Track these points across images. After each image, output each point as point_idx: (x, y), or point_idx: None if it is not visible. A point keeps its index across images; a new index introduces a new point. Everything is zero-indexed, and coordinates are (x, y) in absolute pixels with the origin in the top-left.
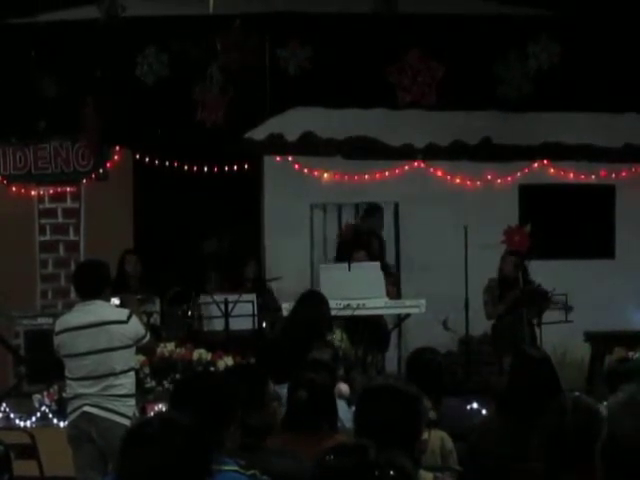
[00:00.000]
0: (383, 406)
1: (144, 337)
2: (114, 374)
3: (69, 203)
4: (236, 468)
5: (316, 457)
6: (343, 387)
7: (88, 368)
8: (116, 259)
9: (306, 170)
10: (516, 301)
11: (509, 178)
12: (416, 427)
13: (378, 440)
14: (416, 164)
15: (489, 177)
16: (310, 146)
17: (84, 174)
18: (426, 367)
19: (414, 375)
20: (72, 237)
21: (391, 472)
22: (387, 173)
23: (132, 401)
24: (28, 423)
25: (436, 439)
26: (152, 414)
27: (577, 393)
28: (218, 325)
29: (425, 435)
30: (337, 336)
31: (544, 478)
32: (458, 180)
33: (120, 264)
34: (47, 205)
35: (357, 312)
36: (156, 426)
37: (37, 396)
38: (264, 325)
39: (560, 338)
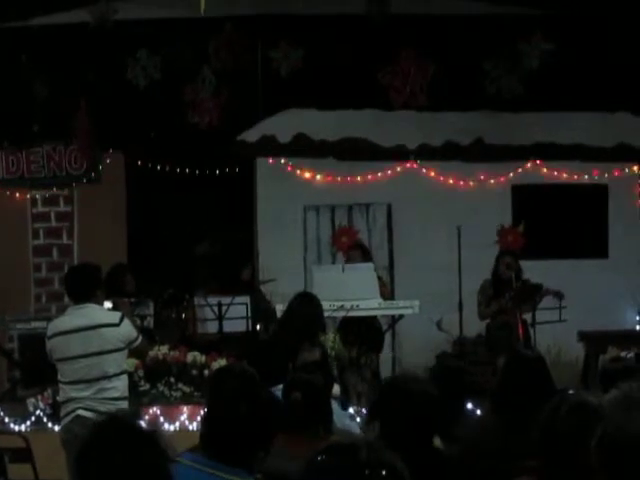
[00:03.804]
0: (412, 403)
1: (136, 340)
2: (107, 377)
3: (62, 207)
4: None
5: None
6: (334, 388)
7: (81, 372)
8: (109, 262)
9: (299, 172)
10: (512, 300)
11: (502, 178)
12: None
13: (401, 434)
14: (409, 165)
15: (482, 177)
16: (303, 147)
17: (77, 177)
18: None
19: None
20: (65, 241)
21: (382, 472)
22: (380, 174)
23: (125, 404)
24: (22, 427)
25: None
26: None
27: (571, 391)
28: (212, 327)
29: None
30: (330, 337)
31: (540, 477)
32: (451, 180)
33: (116, 279)
34: (40, 209)
35: (351, 313)
36: (111, 431)
37: (31, 400)
38: (258, 327)
39: (554, 338)
